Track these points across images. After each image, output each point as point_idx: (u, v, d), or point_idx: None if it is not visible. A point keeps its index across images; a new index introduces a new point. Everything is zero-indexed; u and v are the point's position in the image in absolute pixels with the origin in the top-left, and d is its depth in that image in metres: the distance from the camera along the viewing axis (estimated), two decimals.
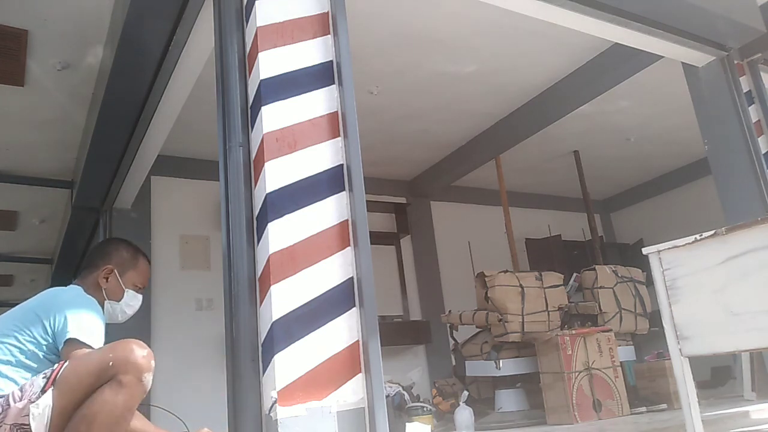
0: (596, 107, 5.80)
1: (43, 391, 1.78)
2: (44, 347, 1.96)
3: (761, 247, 1.97)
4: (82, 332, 1.95)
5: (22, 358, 1.94)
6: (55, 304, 2.00)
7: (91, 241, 6.55)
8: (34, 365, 1.94)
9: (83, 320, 1.99)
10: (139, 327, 4.43)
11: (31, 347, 1.94)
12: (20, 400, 1.80)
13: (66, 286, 2.20)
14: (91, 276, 2.24)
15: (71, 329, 1.93)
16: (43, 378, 1.83)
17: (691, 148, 6.41)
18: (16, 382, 1.88)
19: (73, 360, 1.86)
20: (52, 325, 1.96)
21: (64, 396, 1.77)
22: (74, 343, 1.92)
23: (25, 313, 2.01)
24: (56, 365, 1.87)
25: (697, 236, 2.12)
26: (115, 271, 2.26)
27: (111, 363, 1.77)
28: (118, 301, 2.25)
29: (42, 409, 1.74)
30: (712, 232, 2.09)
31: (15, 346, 1.94)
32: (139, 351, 1.82)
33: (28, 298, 2.12)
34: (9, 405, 1.80)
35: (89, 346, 1.93)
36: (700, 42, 4.09)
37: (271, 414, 2.07)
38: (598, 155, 7.19)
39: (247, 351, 2.21)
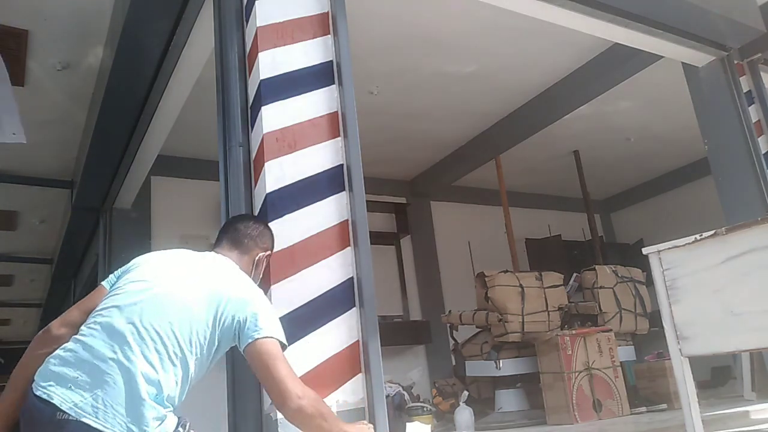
0: (596, 107, 5.80)
1: None
2: (207, 348, 1.70)
3: (761, 247, 1.97)
4: (280, 330, 1.74)
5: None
6: (244, 296, 1.74)
7: (91, 241, 6.55)
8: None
9: (271, 312, 1.78)
10: None
11: (202, 348, 1.69)
12: None
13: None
14: (247, 255, 1.98)
15: (265, 326, 1.70)
16: None
17: (691, 148, 6.40)
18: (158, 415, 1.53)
19: None
20: (242, 321, 1.70)
21: None
22: (274, 342, 1.71)
23: (212, 298, 1.69)
24: None
25: (697, 236, 2.12)
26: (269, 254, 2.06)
27: None
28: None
29: None
30: (712, 232, 2.09)
31: (194, 344, 1.66)
32: None
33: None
34: None
35: (284, 344, 1.75)
36: (700, 42, 4.10)
37: (271, 414, 2.07)
38: (598, 155, 7.19)
39: None
